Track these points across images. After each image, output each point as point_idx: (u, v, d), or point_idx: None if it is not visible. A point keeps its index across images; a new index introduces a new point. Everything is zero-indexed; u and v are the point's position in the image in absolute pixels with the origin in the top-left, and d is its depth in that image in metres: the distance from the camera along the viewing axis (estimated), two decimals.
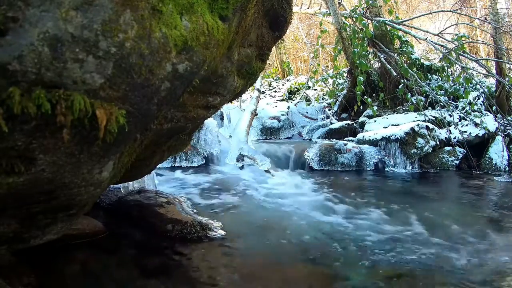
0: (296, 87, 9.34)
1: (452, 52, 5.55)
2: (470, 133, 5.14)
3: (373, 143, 4.79)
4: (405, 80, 5.82)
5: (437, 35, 6.18)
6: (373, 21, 6.36)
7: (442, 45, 6.04)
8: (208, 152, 4.36)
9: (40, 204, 1.00)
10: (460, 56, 5.66)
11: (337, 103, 7.16)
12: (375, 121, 5.69)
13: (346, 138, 5.42)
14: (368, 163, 4.62)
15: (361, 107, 6.40)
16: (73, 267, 1.68)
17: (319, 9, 8.11)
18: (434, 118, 5.35)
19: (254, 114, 5.26)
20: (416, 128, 4.71)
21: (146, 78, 0.87)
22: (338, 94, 7.34)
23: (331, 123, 6.42)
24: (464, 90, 5.60)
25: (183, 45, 0.93)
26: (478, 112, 5.48)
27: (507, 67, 6.51)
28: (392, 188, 3.65)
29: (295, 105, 7.71)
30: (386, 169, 4.60)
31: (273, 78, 10.93)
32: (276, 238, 2.17)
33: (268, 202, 2.93)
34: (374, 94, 6.61)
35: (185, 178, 3.63)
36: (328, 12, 6.58)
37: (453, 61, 5.61)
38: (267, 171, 4.11)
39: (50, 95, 0.74)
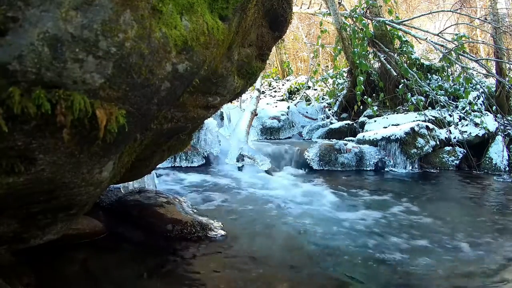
0: (296, 87, 9.33)
1: (452, 52, 5.55)
2: (470, 133, 5.14)
3: (373, 143, 4.79)
4: (405, 80, 5.82)
5: (437, 35, 6.17)
6: (373, 21, 6.36)
7: (442, 45, 6.04)
8: (208, 152, 4.36)
9: (40, 204, 1.00)
10: (460, 56, 5.66)
11: (337, 103, 7.16)
12: (375, 121, 5.69)
13: (346, 138, 5.42)
14: (368, 163, 4.62)
15: (361, 107, 6.40)
16: (73, 267, 1.68)
17: (319, 9, 8.11)
18: (434, 118, 5.34)
19: (254, 114, 5.25)
20: (416, 128, 4.71)
21: (146, 78, 0.87)
22: (338, 94, 7.34)
23: (331, 123, 6.42)
24: (464, 90, 5.60)
25: (183, 45, 0.93)
26: (478, 112, 5.48)
27: (507, 67, 6.51)
28: (392, 188, 3.64)
29: (295, 105, 7.70)
30: (386, 169, 4.60)
31: (273, 78, 10.92)
32: (276, 238, 2.17)
33: (268, 202, 2.93)
34: (374, 94, 6.61)
35: (185, 178, 3.63)
36: (328, 12, 6.58)
37: (453, 61, 5.61)
38: (267, 171, 4.11)
39: (50, 95, 0.74)
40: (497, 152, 4.82)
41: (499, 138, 4.98)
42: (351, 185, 3.68)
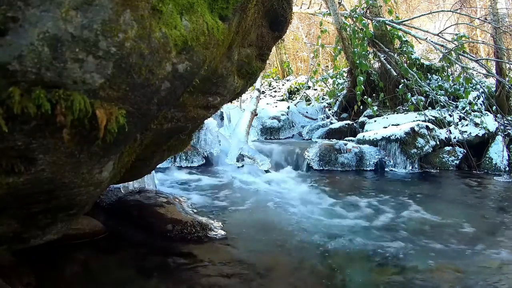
0: (296, 87, 9.34)
1: (452, 52, 5.55)
2: (470, 133, 5.14)
3: (373, 143, 4.79)
4: (405, 80, 5.81)
5: (437, 35, 6.17)
6: (373, 21, 6.36)
7: (442, 45, 6.04)
8: (208, 152, 4.36)
9: (40, 204, 1.00)
10: (460, 56, 5.66)
11: (337, 103, 7.16)
12: (375, 121, 5.69)
13: (346, 138, 5.42)
14: (368, 163, 4.62)
15: (361, 107, 6.39)
16: (73, 267, 1.68)
17: (319, 9, 8.11)
18: (434, 118, 5.34)
19: (254, 114, 5.25)
20: (416, 128, 4.71)
21: (146, 78, 0.87)
22: (338, 94, 7.34)
23: (331, 123, 6.41)
24: (464, 90, 5.60)
25: (183, 45, 0.93)
26: (478, 112, 5.48)
27: (507, 67, 6.51)
28: (392, 188, 3.65)
29: (295, 105, 7.70)
30: (386, 169, 4.60)
31: (273, 78, 10.93)
32: (276, 238, 2.17)
33: (268, 202, 2.93)
34: (374, 94, 6.61)
35: (185, 178, 3.63)
36: (328, 12, 6.58)
37: (453, 61, 5.61)
38: (267, 171, 4.11)
39: (50, 95, 0.74)
40: (497, 152, 4.82)
41: (499, 138, 4.98)
42: (351, 185, 3.68)
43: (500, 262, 1.95)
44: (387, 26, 6.42)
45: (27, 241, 1.12)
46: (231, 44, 1.33)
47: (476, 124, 5.25)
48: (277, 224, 2.40)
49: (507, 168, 4.63)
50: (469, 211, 2.94)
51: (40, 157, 0.84)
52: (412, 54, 6.47)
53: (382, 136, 4.72)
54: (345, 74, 7.48)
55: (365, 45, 6.03)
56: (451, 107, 5.60)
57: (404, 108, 5.98)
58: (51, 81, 0.74)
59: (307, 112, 7.51)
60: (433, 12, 8.31)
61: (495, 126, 5.19)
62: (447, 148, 4.96)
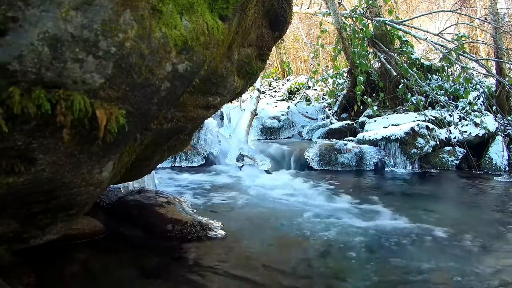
0: (296, 87, 9.34)
1: (452, 52, 5.55)
2: (470, 133, 5.14)
3: (373, 143, 4.79)
4: (405, 80, 5.82)
5: (437, 35, 6.18)
6: (373, 21, 6.36)
7: (442, 45, 6.04)
8: (208, 152, 4.37)
9: (40, 204, 1.00)
10: (460, 56, 5.66)
11: (337, 103, 7.16)
12: (375, 121, 5.69)
13: (346, 138, 5.42)
14: (368, 163, 4.62)
15: (361, 107, 6.40)
16: (73, 267, 1.68)
17: (319, 9, 8.12)
18: (434, 118, 5.34)
19: (254, 114, 5.25)
20: (416, 128, 4.71)
21: (146, 78, 0.87)
22: (338, 94, 7.34)
23: (331, 123, 6.42)
24: (464, 90, 5.60)
25: (183, 45, 0.93)
26: (478, 112, 5.48)
27: (507, 67, 6.51)
28: (392, 188, 3.65)
29: (295, 105, 7.71)
30: (386, 169, 4.60)
31: (273, 78, 10.93)
32: (276, 238, 2.17)
33: (268, 202, 2.93)
34: (374, 94, 6.61)
35: (185, 178, 3.63)
36: (328, 12, 6.58)
37: (453, 61, 5.61)
38: (267, 171, 4.11)
39: (50, 95, 0.74)
40: (497, 152, 4.82)
41: (499, 138, 4.98)
42: (351, 185, 3.68)
43: (500, 262, 1.95)
44: (387, 26, 6.42)
45: (27, 241, 1.12)
46: (231, 44, 1.33)
47: (476, 124, 5.25)
48: (277, 224, 2.40)
49: (507, 168, 4.63)
50: (469, 211, 2.94)
51: (40, 157, 0.84)
52: (412, 54, 6.48)
53: (382, 136, 4.73)
54: (345, 74, 7.49)
55: (365, 45, 6.03)
56: (451, 107, 5.60)
57: (404, 108, 5.98)
58: (51, 81, 0.74)
59: (307, 112, 7.52)
60: (433, 12, 8.31)
61: (495, 126, 5.19)
62: (447, 148, 4.96)
